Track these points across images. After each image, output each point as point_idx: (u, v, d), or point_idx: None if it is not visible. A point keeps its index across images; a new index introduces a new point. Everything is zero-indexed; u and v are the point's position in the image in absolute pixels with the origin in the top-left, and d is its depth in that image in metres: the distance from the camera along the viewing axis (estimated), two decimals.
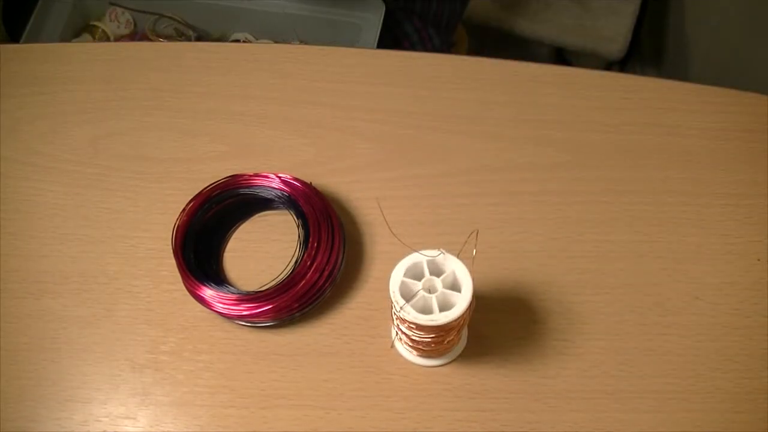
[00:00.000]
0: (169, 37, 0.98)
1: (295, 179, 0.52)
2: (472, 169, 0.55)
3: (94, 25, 0.97)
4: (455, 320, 0.41)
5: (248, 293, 0.48)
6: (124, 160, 0.56)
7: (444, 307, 0.41)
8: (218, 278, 0.51)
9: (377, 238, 0.53)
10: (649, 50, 1.31)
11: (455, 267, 0.42)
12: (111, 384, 0.48)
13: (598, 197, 0.54)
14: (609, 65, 1.21)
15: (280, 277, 0.49)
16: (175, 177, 0.55)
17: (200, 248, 0.51)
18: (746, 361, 0.48)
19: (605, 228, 0.53)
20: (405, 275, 0.41)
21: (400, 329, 0.44)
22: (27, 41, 0.86)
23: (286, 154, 0.56)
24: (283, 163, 0.56)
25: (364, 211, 0.54)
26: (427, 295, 0.41)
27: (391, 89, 0.59)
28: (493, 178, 0.55)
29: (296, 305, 0.48)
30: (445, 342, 0.44)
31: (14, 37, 0.95)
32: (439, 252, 0.42)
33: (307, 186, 0.52)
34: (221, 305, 0.48)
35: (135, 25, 1.01)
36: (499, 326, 0.49)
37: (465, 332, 0.48)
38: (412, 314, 0.40)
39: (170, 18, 0.98)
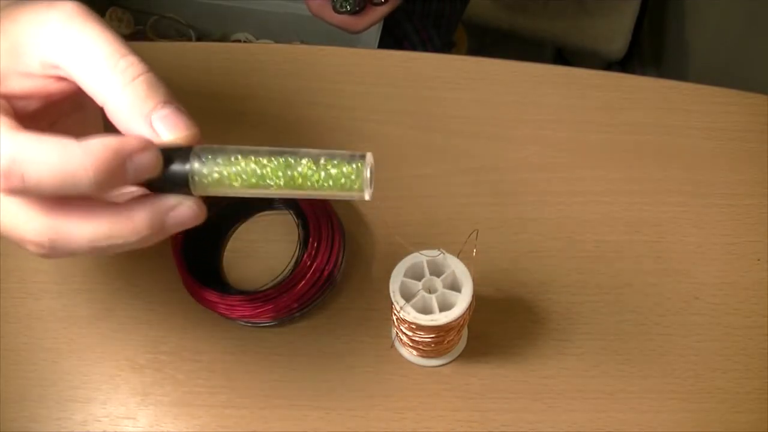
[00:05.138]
0: (169, 37, 0.98)
1: None
2: (472, 169, 0.55)
3: None
4: (455, 320, 0.41)
5: (248, 293, 0.48)
6: None
7: (444, 307, 0.41)
8: (218, 278, 0.51)
9: (377, 238, 0.53)
10: (649, 50, 1.31)
11: (455, 267, 0.42)
12: (111, 384, 0.48)
13: (598, 197, 0.54)
14: (609, 65, 1.21)
15: (280, 277, 0.49)
16: None
17: (200, 248, 0.51)
18: (746, 361, 0.48)
19: (605, 228, 0.53)
20: (405, 275, 0.41)
21: (400, 329, 0.44)
22: None
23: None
24: None
25: (364, 211, 0.54)
26: (427, 295, 0.41)
27: (391, 89, 0.59)
28: (493, 178, 0.55)
29: (296, 305, 0.48)
30: (445, 342, 0.44)
31: None
32: (439, 252, 0.42)
33: None
34: (221, 305, 0.48)
35: (135, 25, 1.01)
36: (499, 326, 0.49)
37: (465, 332, 0.48)
38: (412, 314, 0.40)
39: (170, 18, 0.98)
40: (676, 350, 0.48)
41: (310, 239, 0.49)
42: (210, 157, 0.32)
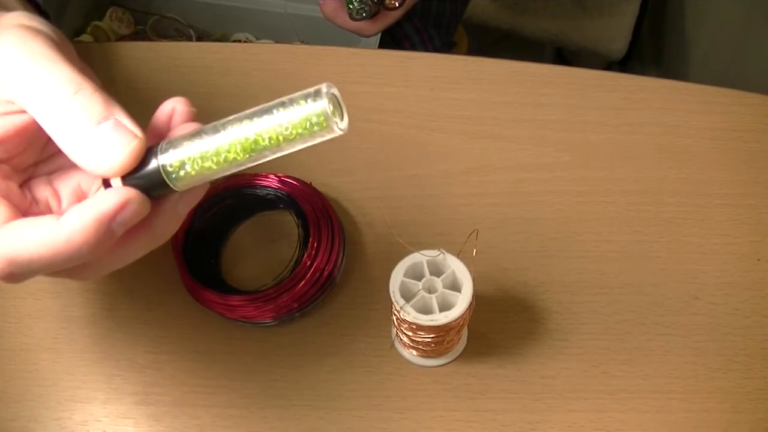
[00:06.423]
0: (169, 37, 0.98)
1: (295, 179, 0.52)
2: (472, 169, 0.55)
3: (95, 25, 0.97)
4: (455, 320, 0.41)
5: (248, 293, 0.48)
6: None
7: (444, 307, 0.41)
8: (218, 278, 0.51)
9: (377, 238, 0.53)
10: (649, 50, 1.31)
11: (455, 267, 0.42)
12: (111, 384, 0.48)
13: (598, 197, 0.54)
14: (609, 65, 1.21)
15: (280, 277, 0.49)
16: None
17: (200, 248, 0.51)
18: (746, 361, 0.48)
19: (605, 228, 0.53)
20: (405, 275, 0.41)
21: (400, 329, 0.44)
22: None
23: (286, 155, 0.56)
24: (283, 163, 0.56)
25: (364, 211, 0.54)
26: (427, 295, 0.41)
27: (391, 89, 0.59)
28: (493, 178, 0.55)
29: (296, 305, 0.48)
30: (445, 342, 0.44)
31: None
32: (439, 252, 0.42)
33: (307, 186, 0.52)
34: (221, 305, 0.48)
35: (135, 25, 1.01)
36: (499, 326, 0.49)
37: (465, 332, 0.48)
38: (412, 314, 0.40)
39: (170, 18, 0.98)
40: (676, 350, 0.48)
41: (310, 239, 0.49)
42: (172, 149, 0.31)
